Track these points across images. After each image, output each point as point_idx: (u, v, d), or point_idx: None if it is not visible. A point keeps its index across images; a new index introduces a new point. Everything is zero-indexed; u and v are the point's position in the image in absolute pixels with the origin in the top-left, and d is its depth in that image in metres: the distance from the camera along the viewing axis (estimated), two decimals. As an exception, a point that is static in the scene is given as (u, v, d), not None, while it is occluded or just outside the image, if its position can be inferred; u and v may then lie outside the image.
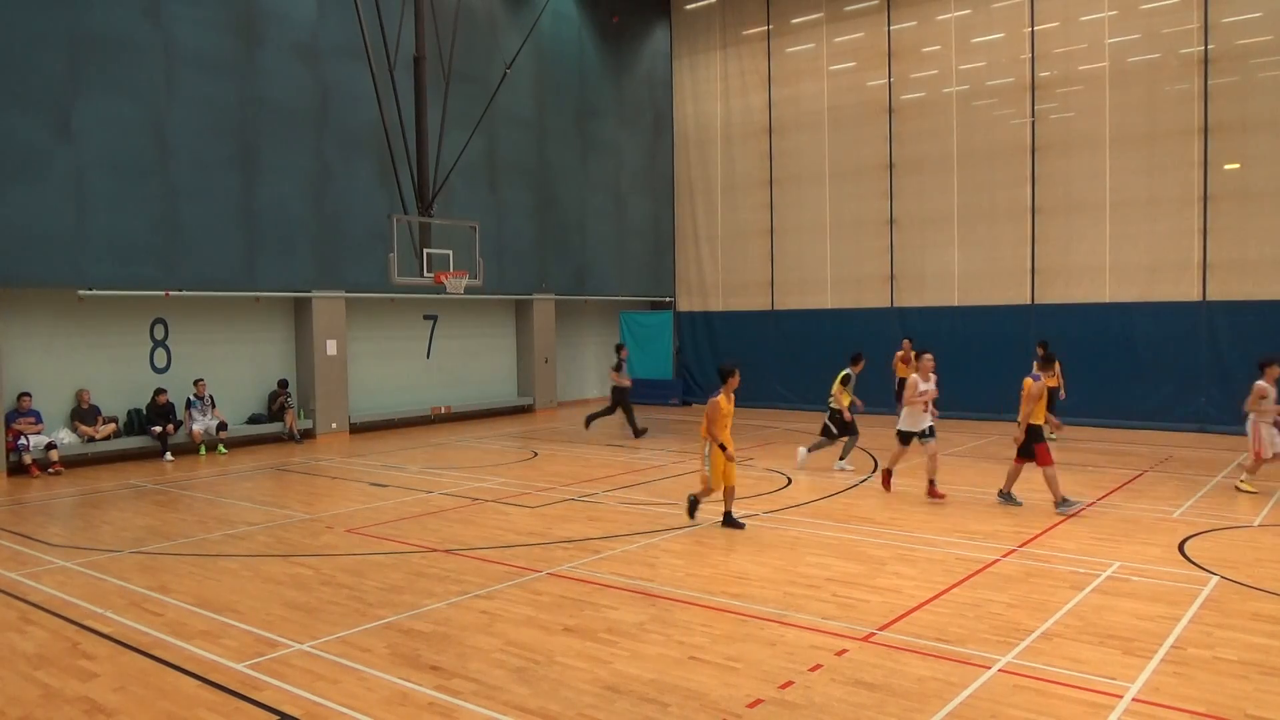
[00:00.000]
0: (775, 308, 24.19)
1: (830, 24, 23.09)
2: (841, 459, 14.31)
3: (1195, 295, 18.33)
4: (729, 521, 10.31)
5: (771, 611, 7.33)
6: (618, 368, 19.10)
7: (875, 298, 22.45)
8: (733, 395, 10.58)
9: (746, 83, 24.59)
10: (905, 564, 8.74)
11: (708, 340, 25.51)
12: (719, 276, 25.37)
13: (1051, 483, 10.93)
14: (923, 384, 11.97)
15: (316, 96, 19.11)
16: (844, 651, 6.42)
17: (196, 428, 17.43)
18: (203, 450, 17.48)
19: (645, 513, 11.24)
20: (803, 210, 23.62)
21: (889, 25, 22.03)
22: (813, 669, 6.12)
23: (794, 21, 23.68)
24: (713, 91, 25.36)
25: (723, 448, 10.19)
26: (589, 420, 19.57)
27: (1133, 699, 5.61)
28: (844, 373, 14.31)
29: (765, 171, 24.26)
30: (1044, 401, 11.15)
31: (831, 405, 14.26)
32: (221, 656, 6.54)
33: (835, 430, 14.14)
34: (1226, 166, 17.99)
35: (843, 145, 22.89)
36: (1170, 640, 6.58)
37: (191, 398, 17.57)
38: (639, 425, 18.87)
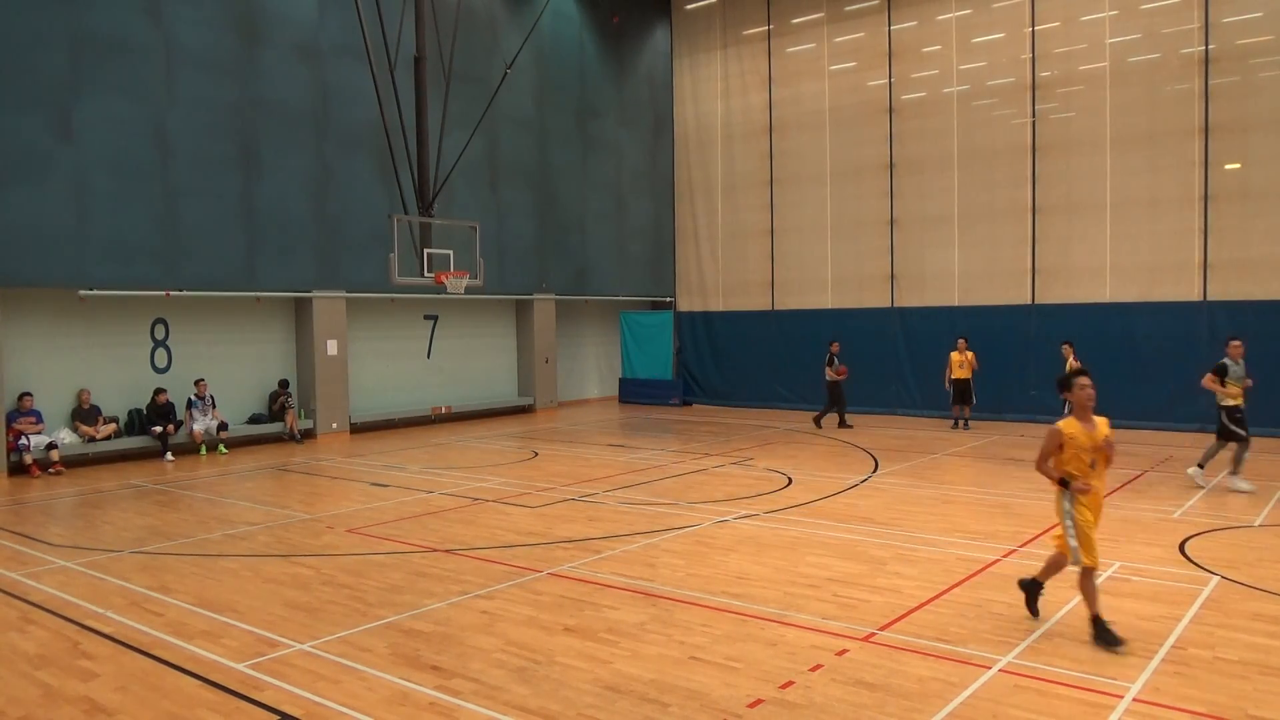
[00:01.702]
0: (775, 308, 24.19)
1: (831, 24, 23.08)
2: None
3: (1196, 295, 18.32)
4: (1103, 634, 6.49)
5: (772, 611, 7.33)
6: (830, 362, 19.62)
7: (876, 298, 22.44)
8: (1090, 414, 6.78)
9: (747, 83, 24.60)
10: (906, 564, 8.74)
11: (708, 340, 25.51)
12: (719, 277, 25.37)
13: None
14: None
15: (317, 97, 19.12)
16: (845, 651, 6.42)
17: (197, 428, 17.44)
18: (203, 450, 17.48)
19: (645, 512, 11.24)
20: (803, 210, 23.62)
21: (889, 25, 22.02)
22: (813, 669, 6.12)
23: (794, 21, 23.68)
24: (713, 91, 25.36)
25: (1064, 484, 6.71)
26: (817, 420, 20.07)
27: (1133, 699, 5.61)
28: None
29: (765, 171, 24.26)
30: None
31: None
32: (222, 656, 6.55)
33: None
34: (1227, 166, 17.97)
35: (843, 145, 22.89)
36: (1171, 640, 6.58)
37: (192, 398, 17.58)
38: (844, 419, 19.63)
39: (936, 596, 7.69)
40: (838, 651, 6.42)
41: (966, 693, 5.71)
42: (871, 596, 7.70)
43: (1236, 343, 12.49)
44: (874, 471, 14.10)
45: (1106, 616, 6.82)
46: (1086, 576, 6.59)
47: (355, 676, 6.13)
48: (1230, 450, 12.38)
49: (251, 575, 8.72)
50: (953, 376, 18.86)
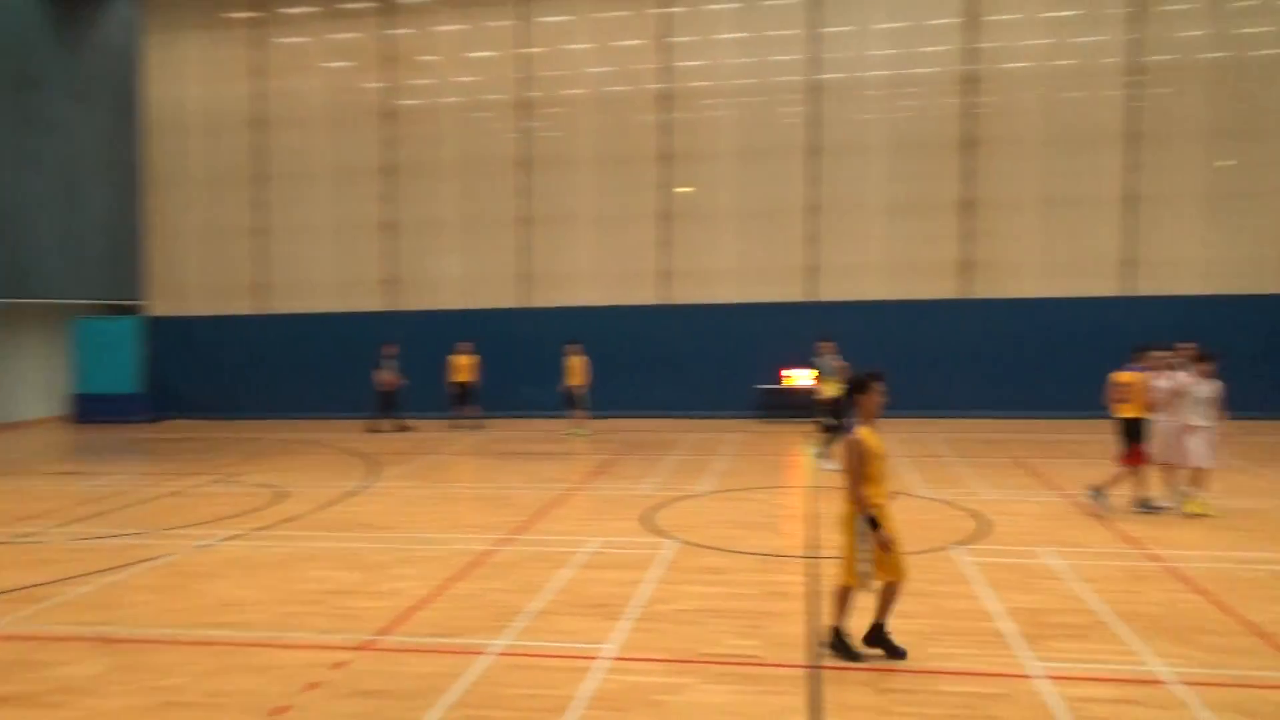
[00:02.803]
0: (268, 311, 22.67)
1: (326, 19, 22.29)
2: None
3: (653, 299, 21.05)
4: (879, 641, 6.16)
5: (264, 636, 6.77)
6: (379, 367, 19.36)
7: (374, 301, 22.17)
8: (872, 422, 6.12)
9: (233, 70, 22.70)
10: (407, 565, 8.69)
11: (187, 348, 22.98)
12: (200, 278, 23.06)
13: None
14: None
15: None
16: (343, 664, 6.15)
17: None
18: None
19: (106, 547, 9.72)
20: (301, 210, 22.47)
21: (386, 30, 21.92)
22: (309, 688, 5.76)
23: (284, 11, 22.42)
24: (192, 75, 22.98)
25: (872, 521, 5.89)
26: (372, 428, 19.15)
27: (612, 658, 6.17)
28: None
29: (255, 167, 22.62)
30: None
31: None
32: None
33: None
34: (678, 190, 20.96)
35: (342, 145, 22.24)
36: (640, 601, 7.39)
37: None
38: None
39: (437, 593, 7.74)
40: (334, 665, 6.12)
41: (465, 681, 5.80)
42: (372, 603, 7.50)
43: (825, 344, 14.31)
44: (375, 477, 13.87)
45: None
46: (853, 594, 6.06)
47: None
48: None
49: None
50: (455, 380, 19.32)
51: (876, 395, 6.00)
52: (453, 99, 21.82)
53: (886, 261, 20.20)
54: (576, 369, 18.01)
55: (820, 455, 13.96)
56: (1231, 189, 18.99)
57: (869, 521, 5.83)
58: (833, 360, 14.07)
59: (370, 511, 11.31)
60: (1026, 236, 19.70)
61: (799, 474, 13.78)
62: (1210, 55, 18.95)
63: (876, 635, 6.13)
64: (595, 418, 18.98)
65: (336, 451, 16.71)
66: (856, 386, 6.11)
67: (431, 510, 11.36)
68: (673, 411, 20.66)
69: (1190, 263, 19.11)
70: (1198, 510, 10.16)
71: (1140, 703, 5.37)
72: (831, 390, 13.62)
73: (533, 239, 21.54)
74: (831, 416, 13.62)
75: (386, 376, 19.48)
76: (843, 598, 6.10)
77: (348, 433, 19.23)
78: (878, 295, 20.15)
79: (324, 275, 22.47)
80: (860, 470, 5.87)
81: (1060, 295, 19.41)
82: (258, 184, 22.65)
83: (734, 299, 20.72)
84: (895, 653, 6.06)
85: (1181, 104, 19.06)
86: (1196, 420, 10.08)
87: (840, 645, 6.12)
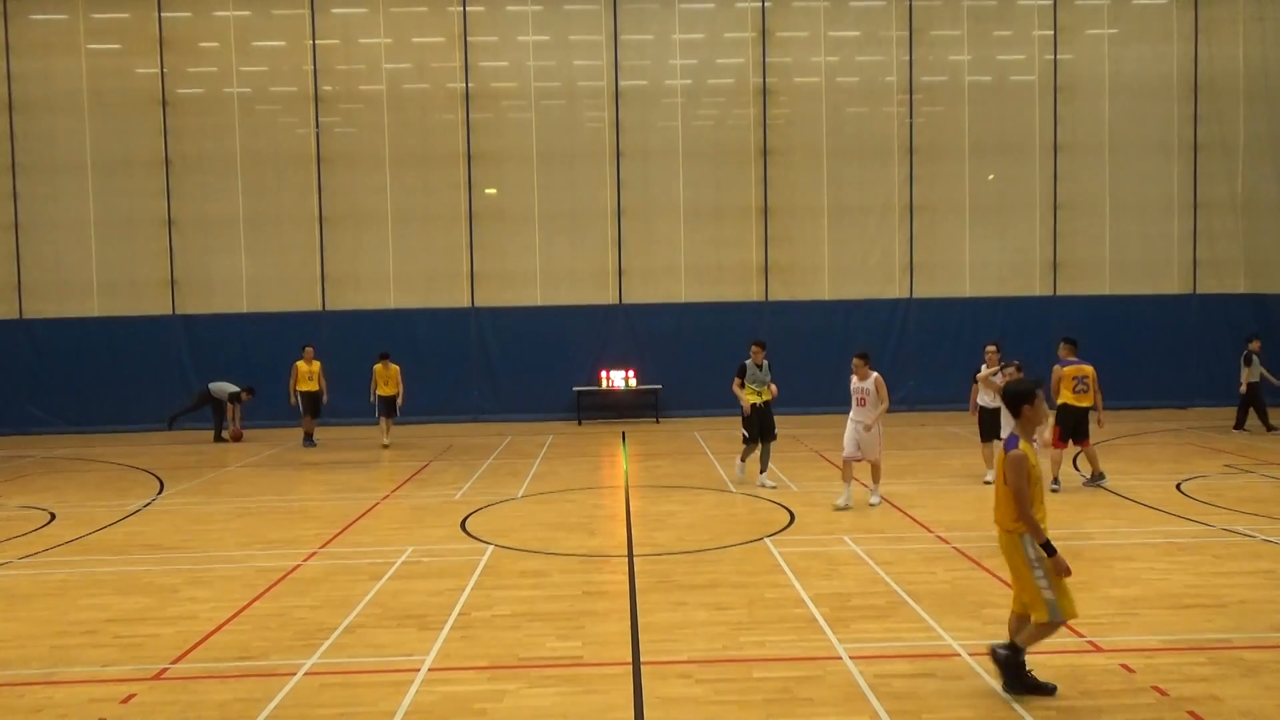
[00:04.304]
0: (25, 316, 20.37)
1: (87, -4, 20.32)
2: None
3: (465, 302, 20.63)
4: (1024, 682, 5.47)
5: (36, 674, 6.08)
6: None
7: (154, 304, 20.43)
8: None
9: (-24, 46, 20.26)
10: (200, 587, 8.06)
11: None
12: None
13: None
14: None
15: None
16: (131, 697, 5.62)
17: None
18: None
19: None
20: (61, 204, 20.34)
21: (160, 11, 20.24)
22: (91, 727, 5.22)
23: (39, -16, 20.27)
24: (-75, 49, 20.33)
25: (1047, 547, 5.31)
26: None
27: (429, 669, 5.99)
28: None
29: (2, 156, 20.28)
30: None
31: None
32: None
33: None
34: (486, 190, 20.66)
35: (109, 134, 20.32)
36: (457, 609, 7.22)
37: None
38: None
39: (236, 614, 7.23)
40: (123, 699, 5.59)
41: (272, 705, 5.45)
42: (162, 630, 6.91)
43: (756, 346, 12.36)
44: (159, 493, 12.79)
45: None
46: (1053, 628, 5.42)
47: None
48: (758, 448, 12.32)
49: None
50: (298, 389, 17.23)
51: (1042, 407, 5.48)
52: (239, 89, 20.47)
53: (694, 264, 20.80)
54: (385, 377, 16.99)
55: (742, 466, 12.62)
56: (995, 201, 20.93)
57: (1045, 547, 5.27)
58: (762, 366, 12.28)
59: (155, 531, 10.42)
60: (820, 242, 20.86)
61: (615, 474, 13.93)
62: (975, 78, 20.82)
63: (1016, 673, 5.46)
64: (407, 424, 18.39)
65: (114, 468, 15.29)
66: (1022, 397, 5.44)
67: (225, 526, 10.60)
68: (488, 416, 20.37)
69: (962, 266, 20.91)
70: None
71: (935, 675, 5.80)
72: (753, 398, 12.05)
73: (333, 239, 20.57)
74: (748, 428, 12.18)
75: (215, 389, 18.02)
76: (1031, 631, 5.41)
77: (129, 447, 17.64)
78: (686, 298, 20.72)
79: (91, 276, 20.45)
80: (1028, 491, 5.27)
81: (852, 298, 20.70)
82: (10, 175, 20.31)
83: (546, 301, 20.67)
84: (1043, 689, 5.42)
85: (951, 121, 20.82)
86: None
87: (1025, 680, 5.42)
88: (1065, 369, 11.86)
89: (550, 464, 14.72)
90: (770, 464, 12.46)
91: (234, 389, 18.17)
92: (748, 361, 12.30)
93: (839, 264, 20.90)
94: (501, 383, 20.68)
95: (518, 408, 20.44)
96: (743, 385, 12.18)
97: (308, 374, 17.27)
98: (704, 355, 19.61)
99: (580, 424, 20.03)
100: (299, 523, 10.69)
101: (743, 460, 12.61)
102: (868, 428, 10.77)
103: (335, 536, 9.88)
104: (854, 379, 10.95)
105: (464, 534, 9.89)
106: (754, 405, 12.07)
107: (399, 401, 16.87)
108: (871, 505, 10.84)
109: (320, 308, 20.57)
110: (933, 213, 20.83)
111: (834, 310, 20.68)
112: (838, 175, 20.76)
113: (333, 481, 13.59)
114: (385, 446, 16.76)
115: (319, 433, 17.54)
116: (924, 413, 19.79)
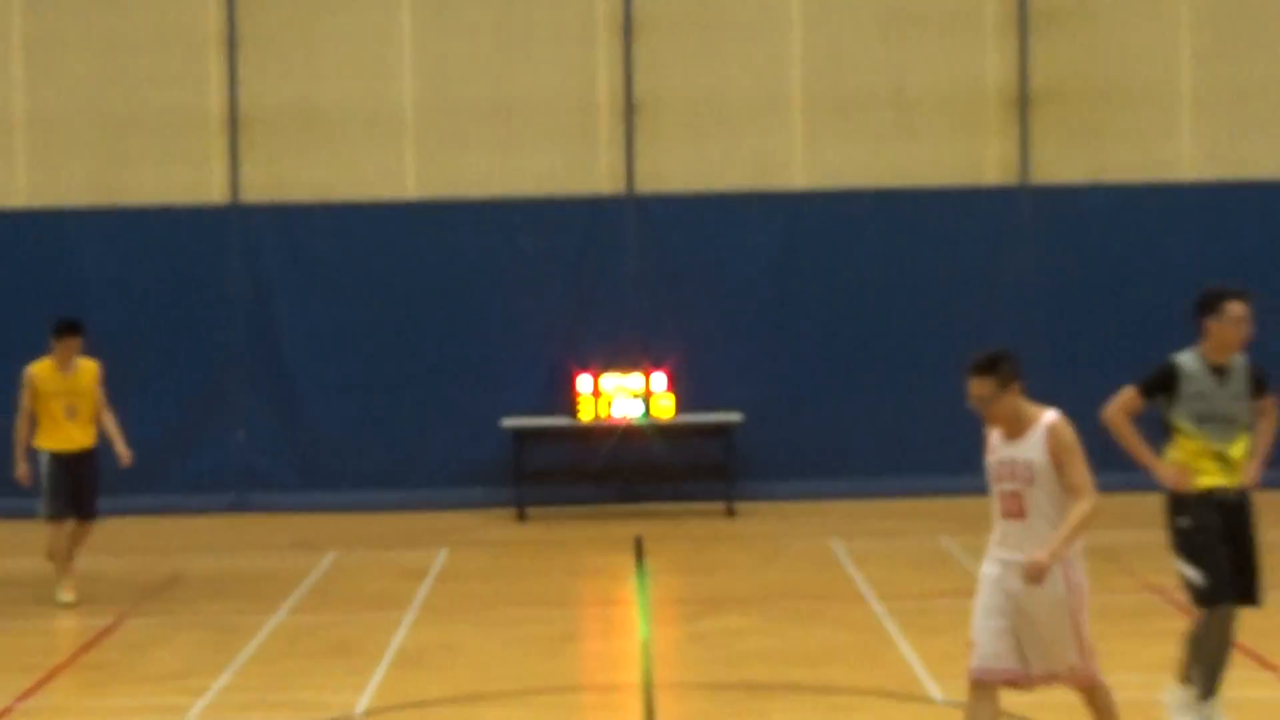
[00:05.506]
0: None
1: None
2: None
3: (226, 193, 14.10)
4: None
5: None
6: None
7: None
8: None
9: None
10: None
11: None
12: None
13: None
14: None
15: None
16: None
17: None
18: None
19: None
20: None
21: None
22: None
23: None
24: None
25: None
26: None
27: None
28: None
29: None
30: None
31: None
32: None
33: None
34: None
35: None
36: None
37: None
38: None
39: None
40: None
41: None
42: None
43: (1235, 303, 8.02)
44: None
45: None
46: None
47: None
48: None
49: None
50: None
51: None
52: None
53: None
54: (65, 394, 9.74)
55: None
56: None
57: None
58: (1226, 370, 5.97)
59: None
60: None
61: (615, 657, 7.68)
62: None
63: None
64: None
65: None
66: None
67: None
68: (281, 496, 10.38)
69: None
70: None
71: None
72: (1210, 475, 6.29)
73: None
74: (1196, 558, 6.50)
75: None
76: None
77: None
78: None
79: None
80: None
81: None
82: None
83: (424, 191, 13.62)
84: None
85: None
86: None
87: None
88: None
89: (440, 626, 6.46)
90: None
91: None
92: (1185, 356, 3.97)
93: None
94: (310, 406, 9.75)
95: (358, 476, 9.72)
96: (1172, 429, 4.02)
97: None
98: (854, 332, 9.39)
99: (522, 516, 9.57)
100: None
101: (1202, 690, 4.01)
102: (1037, 576, 2.95)
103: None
104: (991, 437, 3.20)
105: None
106: (1208, 493, 3.96)
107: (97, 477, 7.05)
108: None
109: None
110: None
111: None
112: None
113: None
114: (67, 605, 6.88)
115: None
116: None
